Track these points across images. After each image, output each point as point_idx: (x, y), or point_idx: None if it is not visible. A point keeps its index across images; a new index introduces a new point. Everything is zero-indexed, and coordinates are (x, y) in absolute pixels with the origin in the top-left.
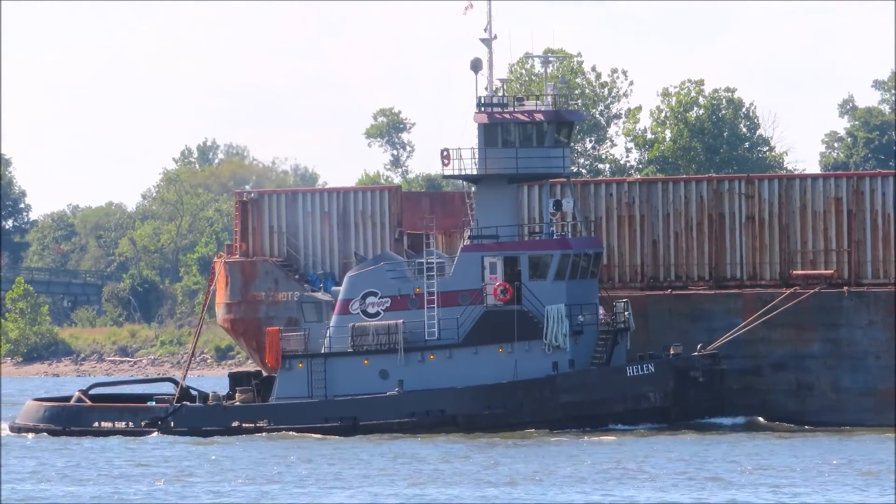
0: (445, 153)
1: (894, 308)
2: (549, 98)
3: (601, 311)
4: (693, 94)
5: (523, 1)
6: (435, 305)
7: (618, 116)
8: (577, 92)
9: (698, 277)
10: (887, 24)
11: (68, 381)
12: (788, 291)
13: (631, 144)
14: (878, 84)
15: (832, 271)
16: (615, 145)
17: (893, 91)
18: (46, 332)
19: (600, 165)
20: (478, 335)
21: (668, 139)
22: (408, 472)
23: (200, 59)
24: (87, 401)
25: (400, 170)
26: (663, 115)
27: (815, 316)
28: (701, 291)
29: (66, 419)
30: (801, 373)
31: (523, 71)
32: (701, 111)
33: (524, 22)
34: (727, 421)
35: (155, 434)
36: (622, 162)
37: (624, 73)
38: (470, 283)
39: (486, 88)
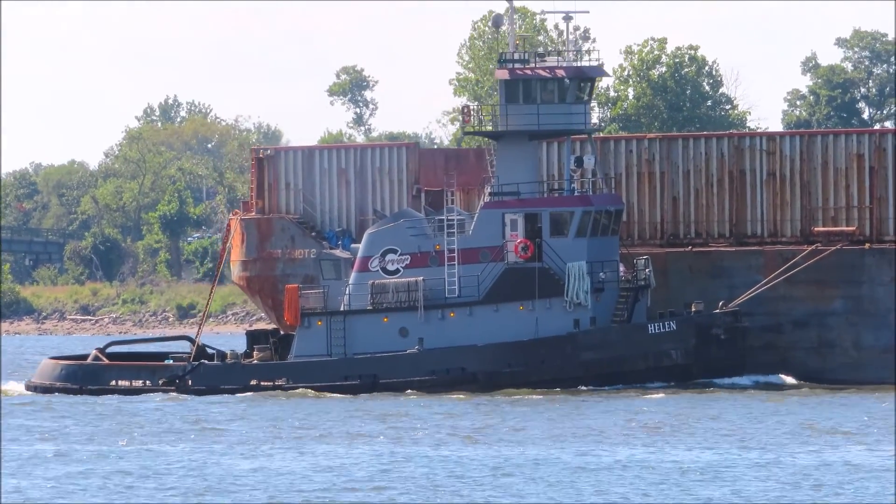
0: (466, 109)
1: None
2: (571, 54)
3: (622, 268)
4: (656, 52)
5: None
6: (455, 263)
7: None
8: (539, 50)
9: (718, 235)
10: None
11: (30, 339)
12: (810, 248)
13: (593, 102)
14: (840, 42)
15: (854, 228)
16: None
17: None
18: (8, 291)
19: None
20: (498, 292)
21: (630, 97)
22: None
23: (163, 17)
24: (105, 359)
25: (363, 128)
26: (626, 73)
27: (836, 273)
28: (721, 248)
29: (83, 377)
30: (823, 330)
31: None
32: (664, 69)
33: None
34: (747, 381)
35: (173, 392)
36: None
37: (587, 31)
38: (490, 241)
39: (508, 44)
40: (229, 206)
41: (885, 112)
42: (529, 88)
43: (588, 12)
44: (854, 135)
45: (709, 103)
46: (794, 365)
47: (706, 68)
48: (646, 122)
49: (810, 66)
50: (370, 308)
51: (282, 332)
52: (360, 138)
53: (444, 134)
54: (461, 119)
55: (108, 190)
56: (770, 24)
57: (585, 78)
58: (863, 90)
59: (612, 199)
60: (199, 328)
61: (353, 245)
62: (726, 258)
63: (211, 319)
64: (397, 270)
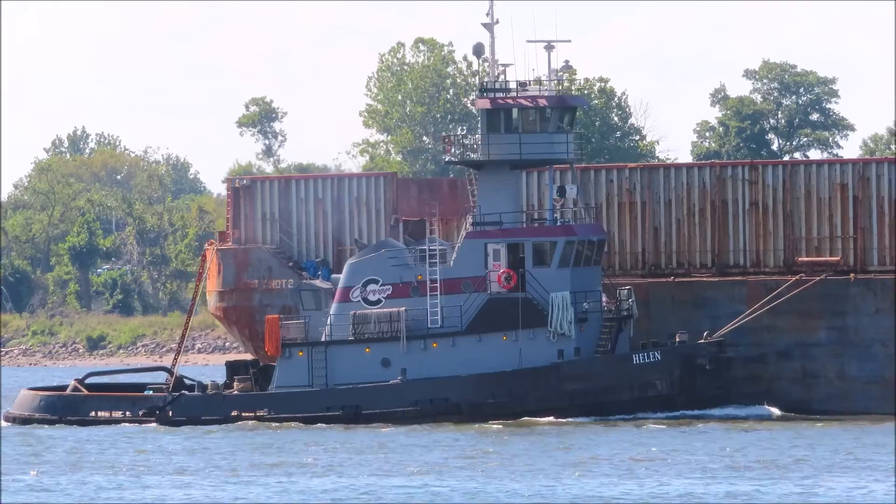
0: (447, 139)
1: None
2: (552, 84)
3: (604, 298)
4: (566, 83)
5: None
6: (438, 293)
7: None
8: (448, 81)
9: (700, 265)
10: (758, 14)
11: None
12: (794, 279)
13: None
14: (749, 73)
15: (838, 258)
16: None
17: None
18: None
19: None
20: (481, 323)
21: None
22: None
23: (71, 48)
24: (84, 390)
25: (272, 159)
26: None
27: (820, 303)
28: (704, 279)
29: (62, 408)
30: (807, 361)
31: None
32: None
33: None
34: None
35: (153, 424)
36: None
37: (496, 61)
38: (473, 271)
39: (488, 74)
40: (139, 238)
41: (794, 143)
42: (511, 117)
43: (570, 41)
44: (837, 164)
45: (618, 134)
46: (779, 395)
47: (615, 100)
48: None
49: (719, 97)
50: (352, 339)
51: (261, 363)
52: (269, 169)
53: (354, 165)
54: (443, 148)
55: (18, 221)
56: (679, 55)
57: (567, 107)
58: (772, 121)
59: (595, 229)
60: (175, 359)
61: (334, 276)
62: (709, 288)
63: (84, 352)
64: (379, 301)
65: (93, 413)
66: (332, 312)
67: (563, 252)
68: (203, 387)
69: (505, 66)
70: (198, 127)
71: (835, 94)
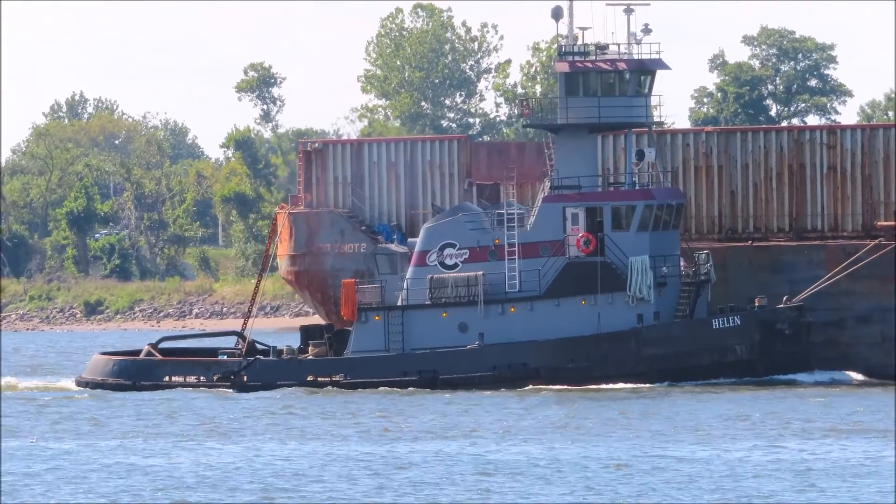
0: (525, 101)
1: None
2: (632, 46)
3: (682, 262)
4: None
5: None
6: (516, 257)
7: (488, 71)
8: (447, 47)
9: (778, 229)
10: None
11: None
12: (873, 243)
13: (501, 99)
14: (747, 39)
15: None
16: (485, 100)
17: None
18: None
19: (470, 120)
20: (560, 287)
21: (538, 93)
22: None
23: (69, 12)
24: (158, 354)
25: (270, 124)
26: (533, 69)
27: None
28: (782, 243)
29: (136, 373)
30: (886, 325)
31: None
32: None
33: None
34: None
35: (228, 388)
36: (492, 116)
37: (494, 27)
38: (551, 234)
39: (567, 37)
40: (136, 203)
41: (792, 109)
42: (589, 81)
43: (649, 4)
44: None
45: None
46: (857, 361)
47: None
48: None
49: (717, 63)
50: (429, 303)
51: (335, 328)
52: (267, 134)
53: (352, 130)
54: (519, 111)
55: (16, 186)
56: (677, 21)
57: (646, 71)
58: (770, 87)
59: (674, 192)
60: (245, 323)
61: (409, 240)
62: (787, 253)
63: (81, 317)
64: (456, 265)
65: (167, 378)
66: (408, 277)
67: (641, 216)
68: (278, 351)
69: (583, 28)
70: (196, 92)
71: (833, 59)
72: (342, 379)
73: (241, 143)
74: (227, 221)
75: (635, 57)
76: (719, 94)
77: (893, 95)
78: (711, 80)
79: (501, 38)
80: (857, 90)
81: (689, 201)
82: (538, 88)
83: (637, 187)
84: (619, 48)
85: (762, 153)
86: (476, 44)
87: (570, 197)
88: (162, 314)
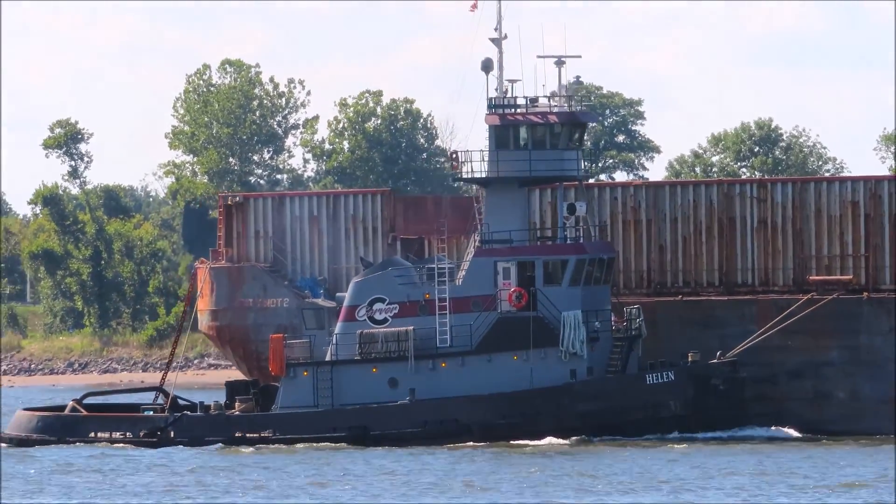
0: (455, 155)
1: None
2: (563, 100)
3: (613, 317)
4: (371, 104)
5: None
6: (446, 312)
7: (295, 127)
8: (254, 103)
9: (707, 283)
10: (563, 36)
11: None
12: (806, 298)
13: (309, 155)
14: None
15: (850, 277)
16: (293, 156)
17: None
18: None
19: (278, 176)
20: (492, 342)
21: (346, 150)
22: None
23: None
24: (82, 410)
25: (78, 181)
26: (341, 125)
27: (833, 322)
28: (713, 297)
29: (61, 429)
30: (819, 381)
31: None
32: (379, 122)
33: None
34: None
35: (154, 444)
36: (300, 172)
37: (301, 83)
38: (482, 289)
39: (497, 89)
40: None
41: (600, 165)
42: (520, 134)
43: (580, 56)
44: (849, 182)
45: (424, 156)
46: (790, 416)
47: (421, 121)
48: (361, 175)
49: None
50: (358, 358)
51: (260, 383)
52: (75, 191)
53: (160, 186)
54: (450, 165)
55: None
56: (482, 76)
57: (578, 123)
58: None
59: (605, 247)
60: (163, 378)
61: (337, 295)
62: (718, 307)
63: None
64: (385, 320)
65: (92, 434)
66: (336, 332)
67: (574, 270)
68: (206, 407)
69: (512, 81)
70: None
71: (640, 115)
72: (271, 435)
73: (49, 200)
74: (36, 278)
75: (566, 110)
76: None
77: (700, 151)
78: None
79: (309, 93)
80: (664, 146)
81: (617, 256)
82: (346, 144)
83: (568, 241)
84: (549, 101)
85: (691, 206)
86: (283, 99)
87: (501, 251)
88: (201, 366)
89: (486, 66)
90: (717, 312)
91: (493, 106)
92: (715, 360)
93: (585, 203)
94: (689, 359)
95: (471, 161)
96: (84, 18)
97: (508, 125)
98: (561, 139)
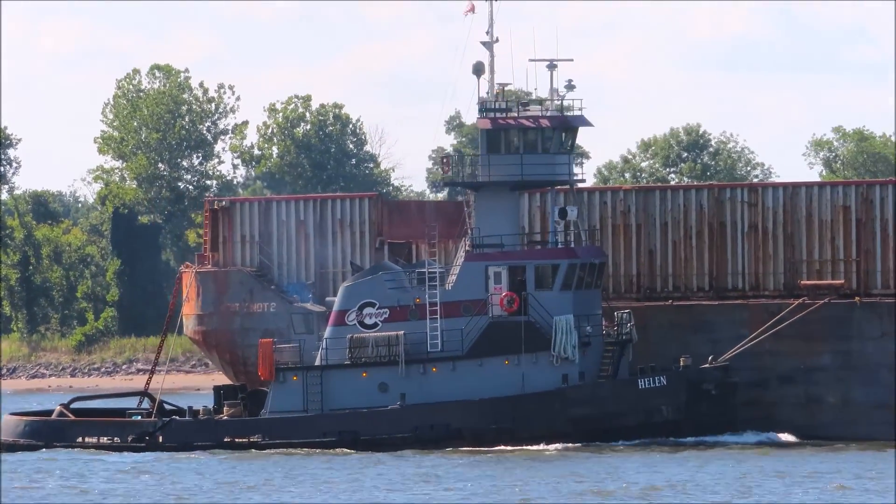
0: (445, 159)
1: None
2: (555, 103)
3: (604, 321)
4: (300, 109)
5: None
6: (437, 316)
7: (225, 132)
8: (184, 108)
9: (697, 288)
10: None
11: None
12: (797, 302)
13: (238, 161)
14: (481, 102)
15: (841, 281)
16: (223, 162)
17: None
18: None
19: (208, 182)
20: (483, 347)
21: (275, 155)
22: None
23: None
24: (70, 415)
25: (6, 186)
26: (270, 130)
27: (825, 327)
28: (704, 302)
29: (49, 434)
30: (811, 385)
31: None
32: (308, 127)
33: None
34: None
35: (143, 449)
36: (229, 178)
37: (231, 88)
38: (473, 294)
39: (488, 93)
40: None
41: None
42: (511, 138)
43: (572, 60)
44: (840, 186)
45: (353, 161)
46: (781, 421)
47: (350, 126)
48: (290, 181)
49: (455, 124)
50: (348, 363)
51: (248, 388)
52: (3, 196)
53: (89, 192)
54: (441, 168)
55: None
56: (415, 81)
57: (569, 127)
58: None
59: (596, 251)
60: (148, 382)
61: (326, 299)
62: (709, 312)
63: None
64: (375, 324)
65: (80, 439)
66: (326, 336)
67: (565, 275)
68: (194, 412)
69: (504, 84)
70: None
71: None
72: (260, 440)
73: None
74: None
75: (558, 113)
76: (456, 156)
77: (630, 157)
78: (449, 142)
79: (238, 98)
80: (593, 152)
81: (607, 260)
82: (275, 150)
83: (560, 246)
84: (541, 105)
85: (681, 211)
86: (213, 105)
87: (492, 255)
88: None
89: (478, 70)
90: (707, 317)
91: (484, 109)
92: (707, 365)
93: (577, 207)
94: (681, 363)
95: (461, 165)
96: (12, 23)
97: (499, 129)
98: (552, 143)
